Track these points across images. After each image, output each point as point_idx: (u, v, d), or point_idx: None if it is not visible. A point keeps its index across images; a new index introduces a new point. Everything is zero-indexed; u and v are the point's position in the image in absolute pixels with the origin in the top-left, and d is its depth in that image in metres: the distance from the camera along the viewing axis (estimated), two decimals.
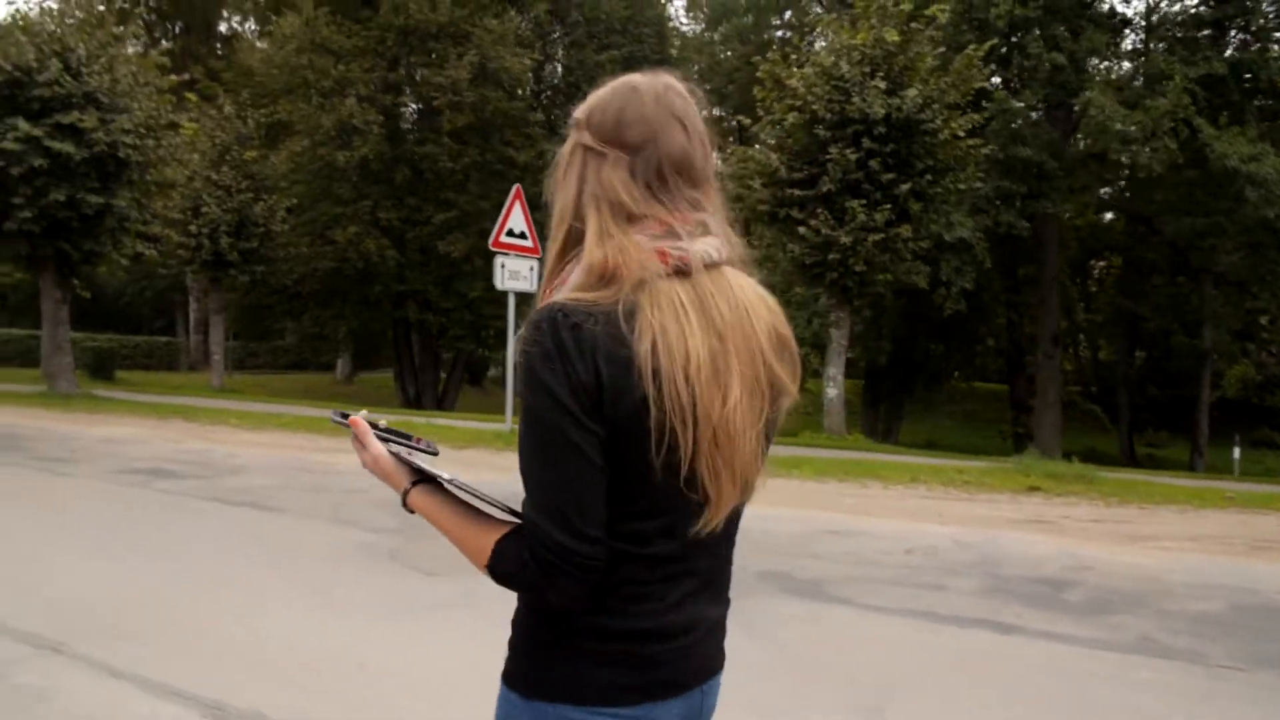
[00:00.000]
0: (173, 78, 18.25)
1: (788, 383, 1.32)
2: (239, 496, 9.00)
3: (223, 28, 46.10)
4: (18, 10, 16.82)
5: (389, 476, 1.40)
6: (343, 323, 29.34)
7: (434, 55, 27.00)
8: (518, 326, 14.69)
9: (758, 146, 18.34)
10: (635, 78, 1.34)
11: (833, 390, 18.80)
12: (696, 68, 34.87)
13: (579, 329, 1.17)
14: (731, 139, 38.15)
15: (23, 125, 15.92)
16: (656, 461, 1.19)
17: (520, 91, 28.04)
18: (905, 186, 17.10)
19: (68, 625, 4.93)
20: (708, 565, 1.34)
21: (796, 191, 17.81)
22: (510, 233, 13.48)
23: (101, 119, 16.74)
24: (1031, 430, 29.22)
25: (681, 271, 1.24)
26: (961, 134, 17.49)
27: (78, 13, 17.06)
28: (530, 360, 1.18)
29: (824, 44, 18.45)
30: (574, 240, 1.31)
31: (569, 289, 1.25)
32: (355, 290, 28.10)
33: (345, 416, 1.47)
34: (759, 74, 20.86)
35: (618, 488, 1.21)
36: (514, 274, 13.56)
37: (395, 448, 1.42)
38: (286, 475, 10.42)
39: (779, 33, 35.30)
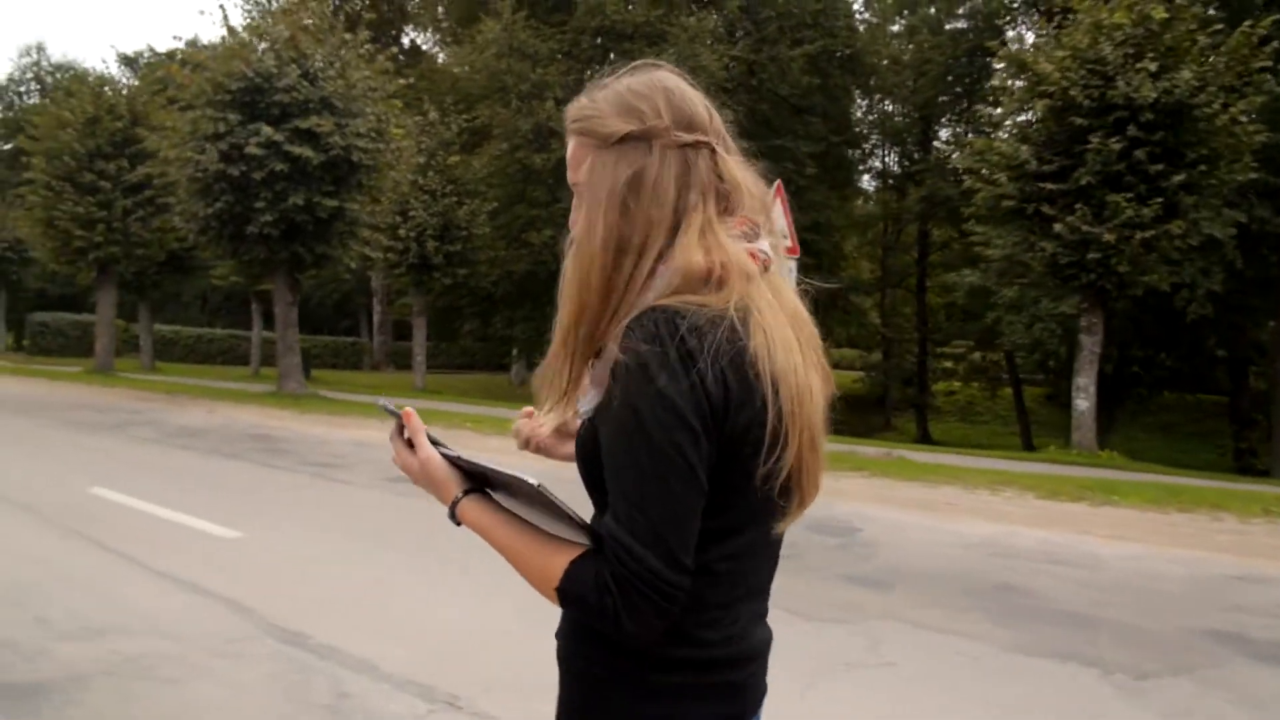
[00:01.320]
0: (400, 81, 18.12)
1: (830, 374, 1.26)
2: None
3: (404, 41, 47.00)
4: (255, 18, 16.86)
5: (437, 483, 1.27)
6: (531, 324, 29.14)
7: (630, 55, 26.40)
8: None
9: (1003, 136, 16.80)
10: (655, 73, 1.25)
11: (1084, 402, 17.13)
12: (885, 61, 33.19)
13: (702, 334, 1.09)
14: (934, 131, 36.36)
15: (266, 130, 15.93)
16: (762, 470, 1.13)
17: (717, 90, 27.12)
18: (1177, 178, 15.35)
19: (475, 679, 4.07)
20: (768, 575, 1.28)
21: (1049, 185, 16.22)
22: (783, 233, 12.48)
23: (337, 124, 16.66)
24: (1254, 446, 26.65)
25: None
26: (1242, 119, 15.61)
27: (311, 20, 17.02)
28: (646, 368, 1.07)
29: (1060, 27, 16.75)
30: (631, 251, 1.16)
31: (661, 294, 1.14)
32: (546, 292, 27.84)
33: (395, 409, 1.30)
34: (995, 60, 19.39)
35: (712, 504, 1.12)
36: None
37: (448, 451, 1.27)
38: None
39: (961, 23, 33.21)
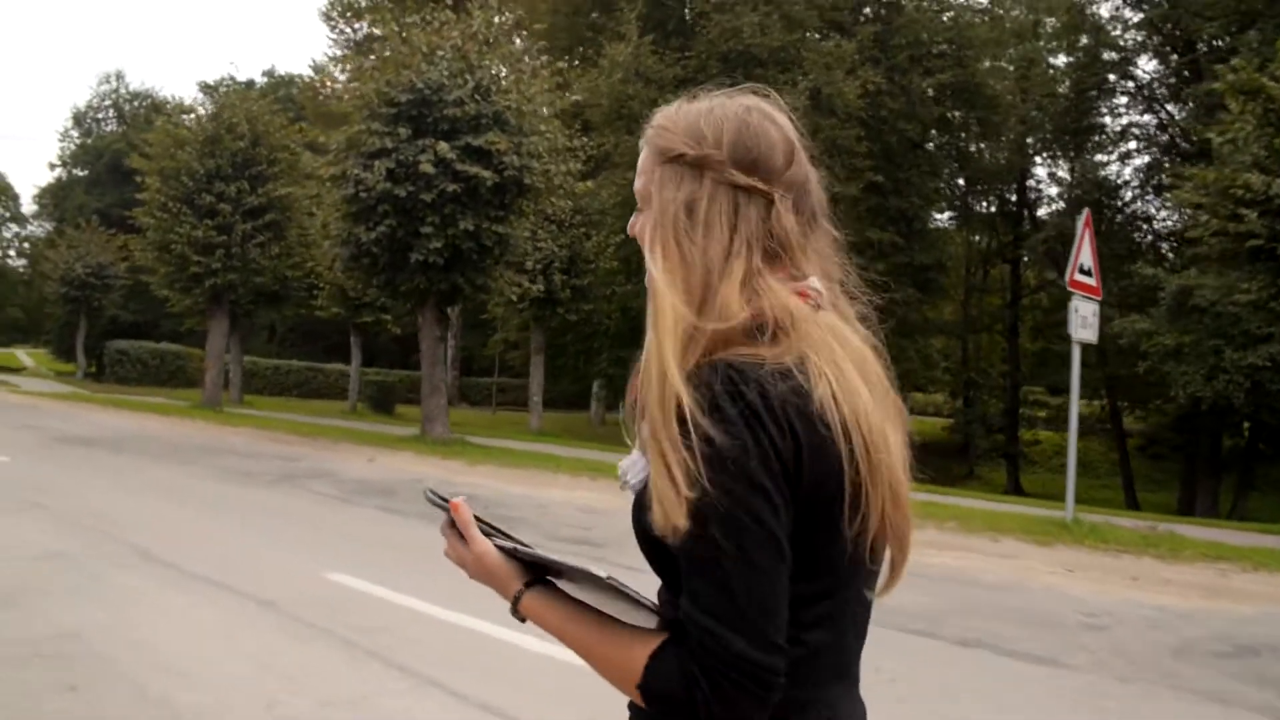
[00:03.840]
0: (569, 96, 16.19)
1: (906, 417, 1.13)
2: None
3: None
4: (418, 26, 15.00)
5: (496, 577, 1.14)
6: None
7: (761, 82, 24.55)
8: (1082, 383, 11.41)
9: (1258, 173, 14.62)
10: (750, 100, 1.14)
11: None
12: (1031, 99, 31.09)
13: (764, 387, 0.97)
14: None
15: (442, 146, 13.99)
16: (849, 531, 1.02)
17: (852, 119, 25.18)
18: None
19: None
20: (860, 645, 1.13)
21: None
22: (1082, 269, 10.46)
23: (513, 142, 14.71)
24: None
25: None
26: None
27: (483, 30, 15.14)
28: (706, 432, 0.95)
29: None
30: (697, 279, 1.05)
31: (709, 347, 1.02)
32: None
33: (443, 499, 1.18)
34: (1218, 85, 17.34)
35: (797, 572, 1.00)
36: (1085, 320, 10.52)
37: (503, 542, 1.14)
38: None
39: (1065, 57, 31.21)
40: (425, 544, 8.33)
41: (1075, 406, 10.81)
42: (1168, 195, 27.18)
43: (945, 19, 28.64)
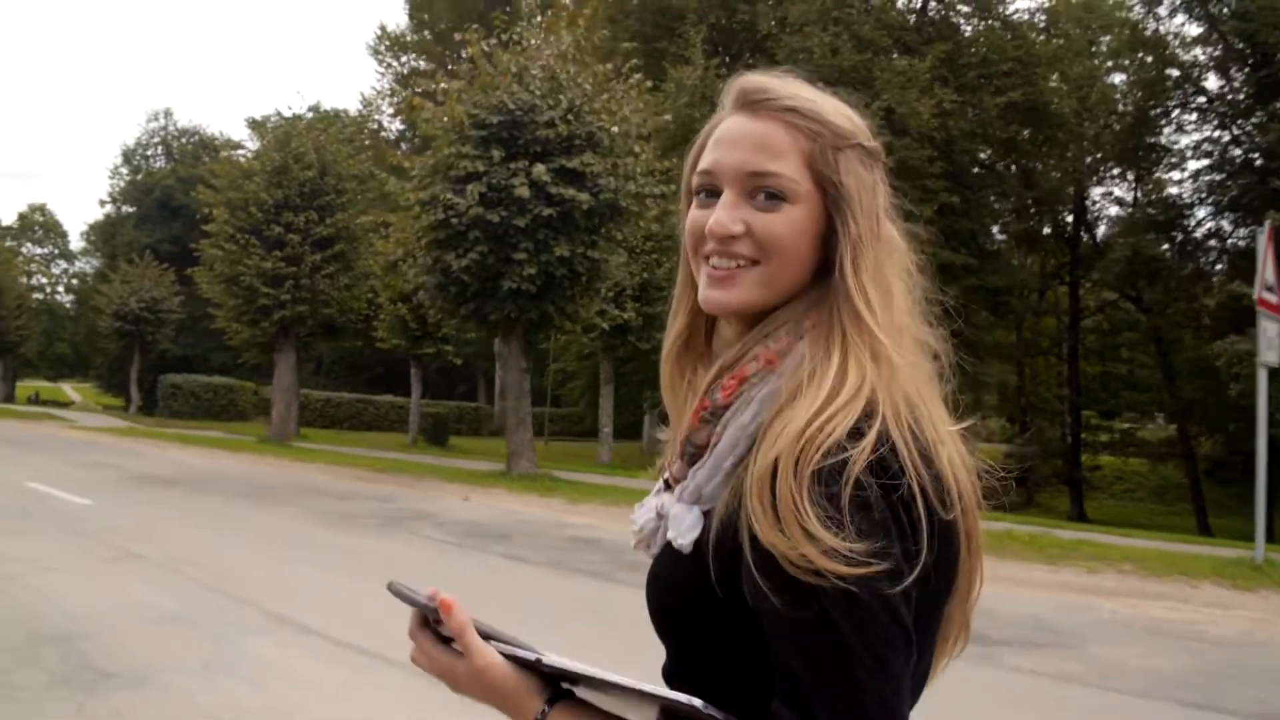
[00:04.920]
0: (664, 118, 15.38)
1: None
2: None
3: None
4: (515, 43, 14.28)
5: (503, 694, 0.90)
6: None
7: None
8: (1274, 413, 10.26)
9: None
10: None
11: None
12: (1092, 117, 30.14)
13: (894, 447, 0.82)
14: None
15: (538, 169, 13.21)
16: (967, 601, 0.93)
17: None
18: None
19: None
20: None
21: None
22: (1269, 286, 9.47)
23: (607, 163, 13.91)
24: None
25: None
26: None
27: (572, 50, 14.39)
28: (883, 506, 0.79)
29: None
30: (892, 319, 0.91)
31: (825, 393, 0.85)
32: None
33: (426, 598, 0.91)
34: None
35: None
36: (1270, 342, 9.53)
37: (516, 651, 0.89)
38: None
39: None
40: (578, 600, 7.46)
41: (1264, 436, 9.77)
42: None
43: (1009, 37, 27.82)
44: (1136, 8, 29.59)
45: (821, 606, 0.77)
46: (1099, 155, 32.83)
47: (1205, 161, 29.14)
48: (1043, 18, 30.79)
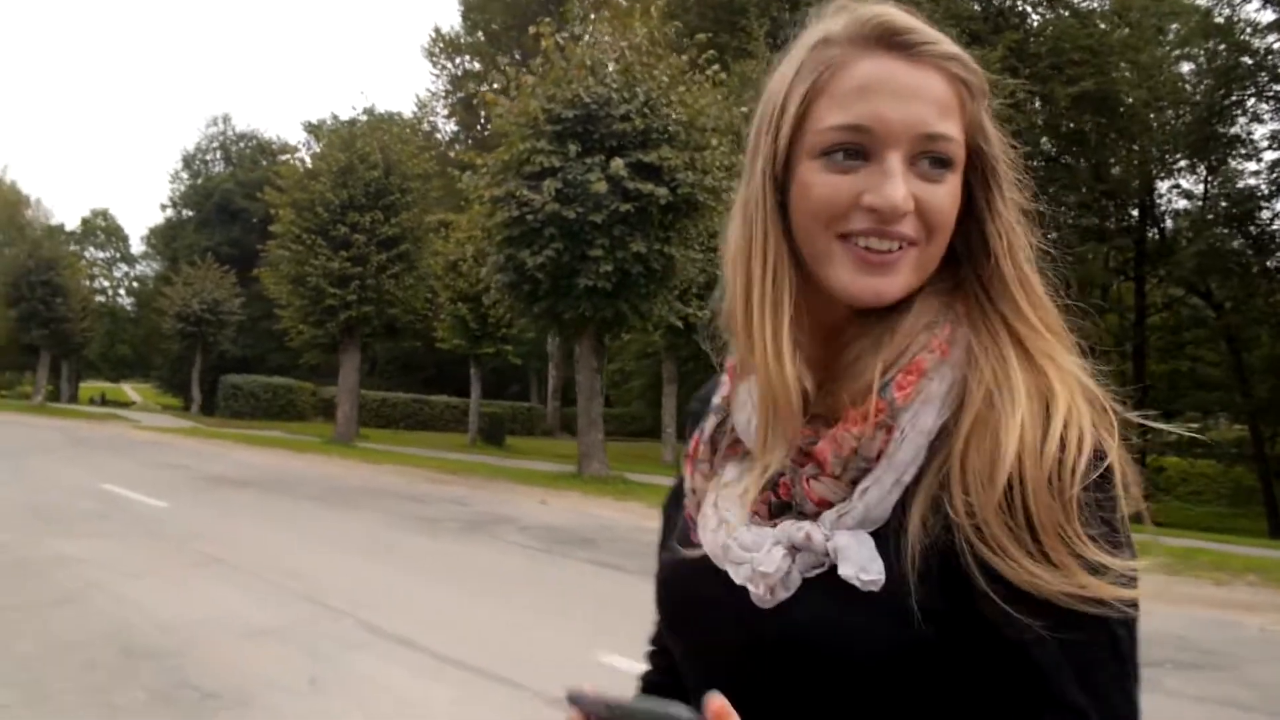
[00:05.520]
0: (742, 110, 14.86)
1: None
2: None
3: None
4: (588, 37, 13.87)
5: None
6: None
7: None
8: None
9: None
10: None
11: None
12: (1160, 108, 29.14)
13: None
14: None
15: (616, 163, 12.77)
16: None
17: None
18: None
19: None
20: None
21: None
22: None
23: (685, 157, 13.44)
24: None
25: None
26: None
27: (645, 42, 13.91)
28: (1120, 513, 0.73)
29: None
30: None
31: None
32: None
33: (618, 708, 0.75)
34: None
35: None
36: None
37: None
38: None
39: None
40: None
41: None
42: None
43: (1079, 25, 26.92)
44: None
45: (1110, 633, 0.71)
46: (1167, 147, 31.74)
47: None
48: (1107, 5, 29.83)
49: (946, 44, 0.78)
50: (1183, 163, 32.78)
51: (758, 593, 0.77)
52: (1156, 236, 34.08)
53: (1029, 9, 27.64)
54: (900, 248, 0.77)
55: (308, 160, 21.64)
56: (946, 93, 0.77)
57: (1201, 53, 29.28)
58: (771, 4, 26.33)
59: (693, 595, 0.84)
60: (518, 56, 32.16)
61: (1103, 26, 28.06)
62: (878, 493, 0.75)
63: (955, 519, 0.72)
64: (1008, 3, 27.76)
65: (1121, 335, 37.71)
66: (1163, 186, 34.41)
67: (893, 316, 0.79)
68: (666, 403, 23.57)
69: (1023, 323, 0.78)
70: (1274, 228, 29.10)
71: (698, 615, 0.84)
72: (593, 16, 15.99)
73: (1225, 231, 29.62)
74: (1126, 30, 28.47)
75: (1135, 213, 34.60)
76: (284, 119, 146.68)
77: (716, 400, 0.91)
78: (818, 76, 0.77)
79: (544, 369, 44.41)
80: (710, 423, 0.89)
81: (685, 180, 13.41)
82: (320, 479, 15.10)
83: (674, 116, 13.57)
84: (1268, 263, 30.49)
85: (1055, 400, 0.74)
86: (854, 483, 0.76)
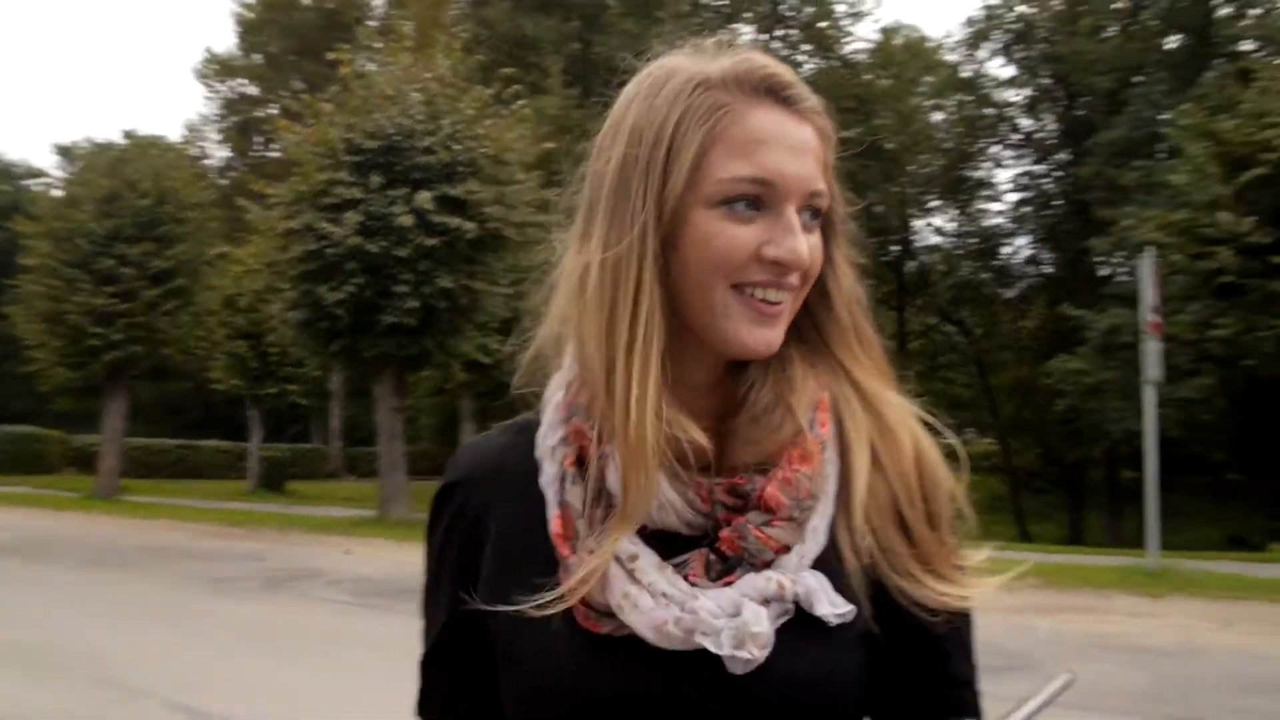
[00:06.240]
0: (548, 144, 14.77)
1: None
2: None
3: None
4: (387, 69, 13.44)
5: None
6: None
7: None
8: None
9: (1223, 214, 14.65)
10: None
11: None
12: (915, 154, 31.77)
13: None
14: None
15: (421, 196, 12.37)
16: None
17: None
18: None
19: None
20: None
21: (1277, 259, 14.29)
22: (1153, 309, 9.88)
23: (494, 191, 13.22)
24: None
25: None
26: None
27: (449, 74, 13.63)
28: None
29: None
30: None
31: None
32: None
33: None
34: (1168, 132, 17.78)
35: None
36: (1156, 361, 9.92)
37: None
38: None
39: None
40: None
41: (1154, 450, 10.22)
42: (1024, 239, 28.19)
43: (849, 76, 29.06)
44: (957, 51, 31.60)
45: (969, 614, 0.82)
46: (923, 188, 34.72)
47: (1021, 195, 31.33)
48: (867, 57, 32.38)
49: (815, 98, 0.80)
50: (936, 203, 35.93)
51: (750, 656, 0.73)
52: (914, 269, 36.97)
53: (804, 58, 29.45)
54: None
55: (77, 183, 19.56)
56: (819, 147, 0.79)
57: (952, 103, 32.46)
58: (565, 42, 26.64)
59: (631, 687, 0.76)
60: (299, 83, 30.77)
61: (868, 77, 30.43)
62: (824, 528, 0.77)
63: (868, 546, 0.78)
64: (784, 52, 29.48)
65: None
66: (919, 224, 37.63)
67: (777, 363, 0.80)
68: (464, 440, 23.05)
69: (859, 367, 0.83)
70: (1014, 262, 32.38)
71: (648, 707, 0.76)
72: (379, 45, 15.49)
73: (974, 265, 32.76)
74: (889, 81, 31.02)
75: (896, 248, 37.53)
76: (28, 139, 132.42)
77: (560, 469, 0.80)
78: (714, 123, 0.75)
79: (326, 408, 42.40)
80: (574, 493, 0.78)
81: (493, 215, 13.21)
82: (91, 540, 13.60)
83: (480, 150, 13.36)
84: (1009, 293, 33.95)
85: (914, 435, 0.81)
86: (802, 524, 0.77)
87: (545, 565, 0.78)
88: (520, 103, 14.49)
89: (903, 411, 0.83)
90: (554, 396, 0.84)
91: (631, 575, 0.75)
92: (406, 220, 12.35)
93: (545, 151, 14.69)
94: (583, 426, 0.79)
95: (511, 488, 0.83)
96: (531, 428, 0.85)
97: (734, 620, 0.73)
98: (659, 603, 0.73)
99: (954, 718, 0.81)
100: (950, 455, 0.84)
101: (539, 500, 0.80)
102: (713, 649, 0.73)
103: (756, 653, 0.73)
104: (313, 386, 37.16)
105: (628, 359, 0.75)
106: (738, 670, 0.73)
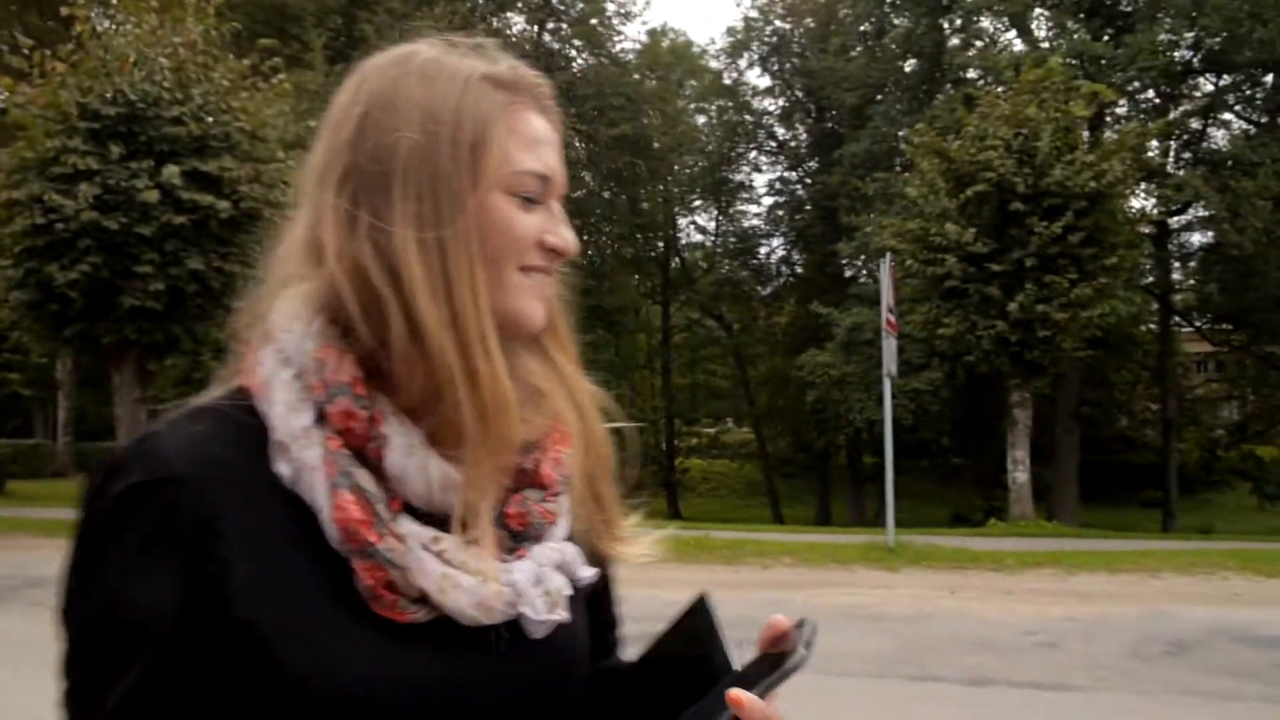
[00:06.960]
0: (310, 122, 14.01)
1: None
2: None
3: None
4: (129, 30, 12.35)
5: None
6: None
7: None
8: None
9: (950, 225, 16.22)
10: None
11: (1022, 475, 16.92)
12: (680, 154, 32.82)
13: None
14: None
15: (169, 169, 11.45)
16: None
17: None
18: (1111, 260, 15.96)
19: None
20: None
21: (994, 266, 16.07)
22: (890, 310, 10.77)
23: (252, 169, 12.43)
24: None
25: None
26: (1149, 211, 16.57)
27: (201, 40, 12.67)
28: None
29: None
30: None
31: None
32: None
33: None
34: (904, 148, 19.36)
35: None
36: (891, 356, 10.84)
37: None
38: None
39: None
40: None
41: (890, 438, 11.19)
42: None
43: (619, 74, 29.63)
44: (720, 58, 33.02)
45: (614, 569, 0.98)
46: (686, 188, 36.03)
47: (776, 199, 33.23)
48: (636, 58, 33.26)
49: (547, 86, 0.88)
50: (699, 202, 37.40)
51: (560, 617, 0.81)
52: (679, 266, 38.26)
53: (574, 53, 29.74)
54: None
55: None
56: (555, 134, 0.87)
57: (714, 108, 33.94)
58: (328, 16, 25.47)
59: (439, 669, 0.78)
60: (23, 37, 27.41)
61: (636, 77, 31.22)
62: (567, 502, 0.86)
63: (583, 514, 0.88)
64: (555, 45, 29.66)
65: (651, 353, 41.97)
66: (683, 222, 39.10)
67: (535, 347, 0.86)
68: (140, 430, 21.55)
69: (563, 354, 0.89)
70: (770, 262, 34.29)
71: (458, 687, 0.78)
72: (117, 1, 14.22)
73: (733, 264, 34.46)
74: (655, 82, 31.96)
75: (662, 244, 38.75)
76: None
77: (326, 451, 0.75)
78: (509, 118, 0.81)
79: (52, 399, 38.39)
80: (363, 476, 0.75)
81: (249, 194, 12.47)
82: None
83: (236, 124, 12.56)
84: (765, 291, 35.91)
85: (604, 417, 0.91)
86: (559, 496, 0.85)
87: (321, 562, 0.74)
88: (280, 76, 13.73)
89: (596, 396, 0.90)
90: (276, 375, 0.78)
91: (440, 556, 0.76)
92: (151, 195, 11.41)
93: (307, 129, 13.99)
94: (352, 408, 0.75)
95: (239, 482, 0.74)
96: (230, 414, 0.77)
97: (540, 587, 0.80)
98: (480, 583, 0.76)
99: (614, 657, 0.98)
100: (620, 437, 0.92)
101: (280, 491, 0.75)
102: (531, 615, 0.79)
103: (563, 614, 0.81)
104: (35, 375, 33.59)
105: (482, 338, 0.76)
106: (539, 634, 0.80)
